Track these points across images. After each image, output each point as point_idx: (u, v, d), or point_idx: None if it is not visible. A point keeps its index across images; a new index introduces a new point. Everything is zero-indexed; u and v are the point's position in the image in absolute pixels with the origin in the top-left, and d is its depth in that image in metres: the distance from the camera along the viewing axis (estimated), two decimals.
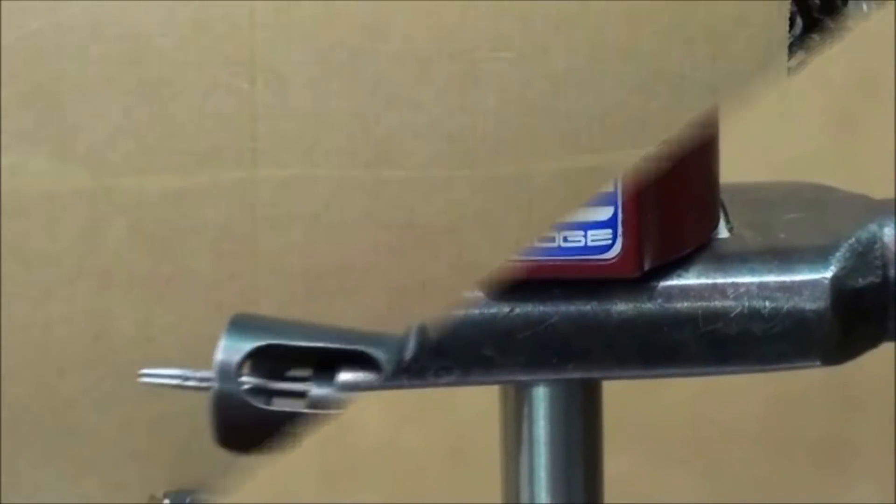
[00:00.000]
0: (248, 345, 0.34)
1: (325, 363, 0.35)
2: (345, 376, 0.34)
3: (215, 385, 0.33)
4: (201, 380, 0.35)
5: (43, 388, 0.66)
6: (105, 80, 0.64)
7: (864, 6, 1.01)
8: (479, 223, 0.78)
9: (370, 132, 0.71)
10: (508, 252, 0.79)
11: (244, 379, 0.33)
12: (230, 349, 0.34)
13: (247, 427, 0.33)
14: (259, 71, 0.67)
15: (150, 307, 0.67)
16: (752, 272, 0.33)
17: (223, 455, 0.72)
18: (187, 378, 0.35)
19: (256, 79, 0.67)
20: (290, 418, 0.33)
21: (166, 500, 0.34)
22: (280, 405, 0.33)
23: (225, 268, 0.68)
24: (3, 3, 0.61)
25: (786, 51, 0.86)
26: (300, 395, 0.34)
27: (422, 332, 0.35)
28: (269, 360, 0.35)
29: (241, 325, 0.35)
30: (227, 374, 0.33)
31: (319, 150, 0.69)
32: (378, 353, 0.34)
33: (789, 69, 0.89)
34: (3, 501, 0.66)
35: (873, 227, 0.34)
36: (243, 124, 0.67)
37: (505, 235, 0.83)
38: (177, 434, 0.70)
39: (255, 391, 0.34)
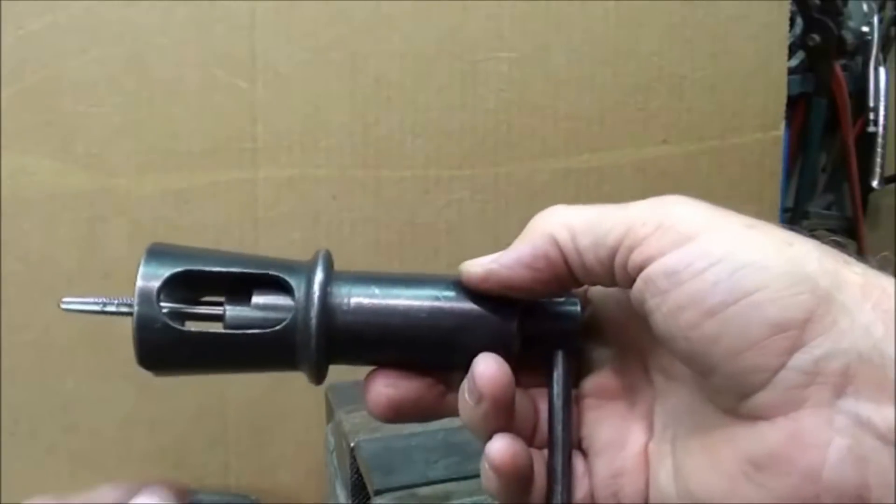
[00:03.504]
0: (166, 271, 0.34)
1: (239, 288, 0.35)
2: (257, 299, 0.35)
3: (136, 309, 0.34)
4: (121, 304, 0.36)
5: (43, 388, 0.66)
6: (105, 80, 0.64)
7: (865, 6, 1.01)
8: (479, 223, 0.78)
9: (370, 132, 0.71)
10: None
11: (163, 304, 0.34)
12: (149, 276, 0.34)
13: (167, 348, 0.34)
14: (259, 71, 0.67)
15: None
16: None
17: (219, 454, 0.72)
18: (107, 304, 0.36)
19: (256, 79, 0.67)
20: (208, 339, 0.34)
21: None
22: (198, 327, 0.34)
23: None
24: (2, 3, 0.61)
25: (786, 51, 0.86)
26: (216, 317, 0.35)
27: (326, 257, 0.36)
28: (187, 286, 0.36)
29: (158, 253, 0.35)
30: (147, 299, 0.34)
31: (319, 150, 0.69)
32: (289, 277, 0.35)
33: (789, 69, 0.89)
34: (3, 501, 0.66)
35: None
36: (243, 124, 0.67)
37: (505, 235, 0.82)
38: (177, 434, 0.70)
39: (174, 315, 0.34)
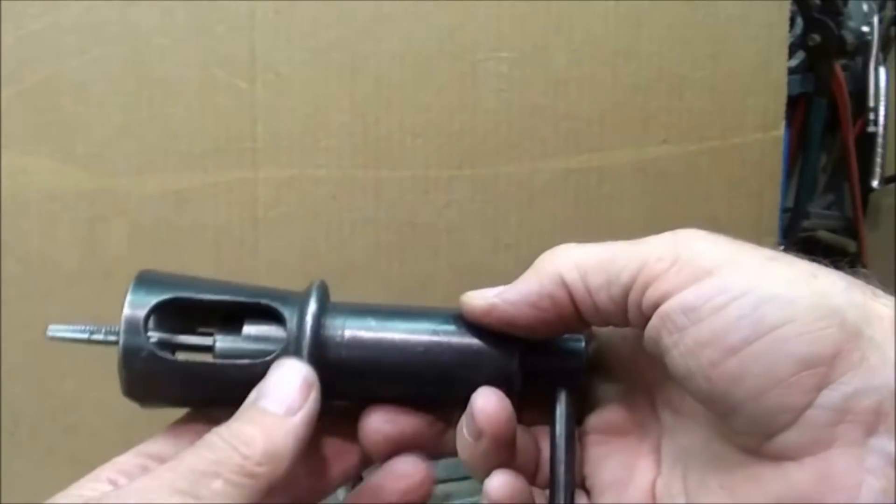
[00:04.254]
0: (154, 298, 0.34)
1: (231, 318, 0.35)
2: (249, 329, 0.34)
3: (121, 338, 0.33)
4: (108, 333, 0.35)
5: (43, 389, 0.66)
6: (105, 80, 0.64)
7: (865, 6, 1.01)
8: (479, 223, 0.78)
9: (370, 132, 0.71)
10: (508, 252, 0.79)
11: (151, 333, 0.33)
12: (136, 304, 0.33)
13: (154, 378, 0.33)
14: (259, 71, 0.67)
15: None
16: None
17: None
18: (94, 332, 0.35)
19: (256, 79, 0.67)
20: (196, 370, 0.33)
21: None
22: (186, 358, 0.33)
23: (225, 268, 0.68)
24: (3, 3, 0.61)
25: (786, 51, 0.86)
26: (206, 348, 0.34)
27: (321, 288, 0.35)
28: (177, 316, 0.35)
29: (147, 280, 0.34)
30: (134, 328, 0.33)
31: (319, 150, 0.69)
32: (282, 308, 0.34)
33: (789, 69, 0.89)
34: (3, 501, 0.66)
35: None
36: (243, 124, 0.67)
37: (505, 235, 0.83)
38: None
39: (161, 345, 0.33)
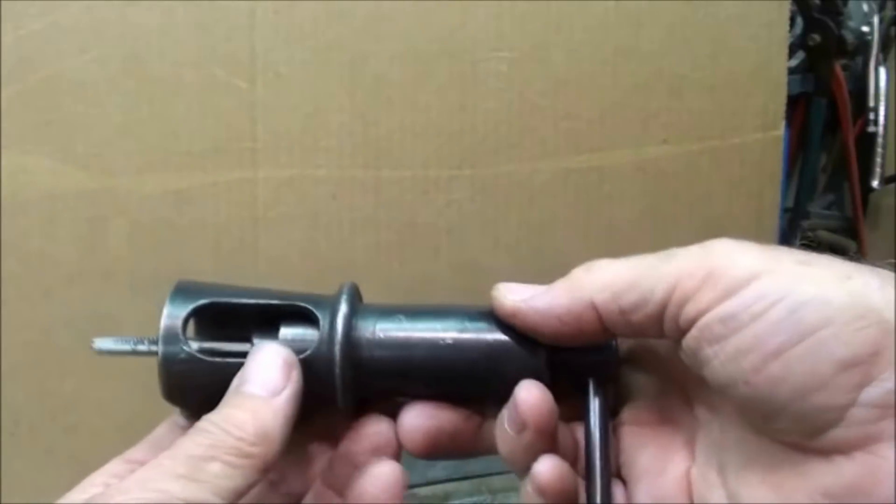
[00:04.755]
0: (190, 305, 0.34)
1: (269, 324, 0.35)
2: (285, 332, 0.35)
3: (160, 347, 0.34)
4: (151, 343, 0.36)
5: (43, 389, 0.66)
6: (105, 80, 0.64)
7: (865, 6, 1.01)
8: (479, 223, 0.78)
9: (370, 132, 0.71)
10: (508, 252, 0.79)
11: (191, 342, 0.34)
12: (173, 314, 0.34)
13: (193, 385, 0.34)
14: (259, 71, 0.67)
15: (150, 307, 0.67)
16: None
17: None
18: (138, 343, 0.36)
19: (256, 79, 0.67)
20: (233, 371, 0.34)
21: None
22: (223, 360, 0.34)
23: (225, 268, 0.68)
24: (3, 3, 0.61)
25: (786, 51, 0.86)
26: (244, 354, 0.35)
27: (352, 290, 0.36)
28: (217, 326, 0.36)
29: (183, 290, 0.35)
30: (171, 337, 0.34)
31: (319, 150, 0.69)
32: (315, 310, 0.35)
33: (789, 69, 0.89)
34: (3, 501, 0.66)
35: None
36: (243, 124, 0.67)
37: (504, 235, 0.83)
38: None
39: (202, 352, 0.34)
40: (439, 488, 0.52)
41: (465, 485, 0.53)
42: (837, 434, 0.28)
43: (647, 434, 0.35)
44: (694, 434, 0.35)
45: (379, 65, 0.68)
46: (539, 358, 0.34)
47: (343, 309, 0.35)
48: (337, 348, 0.34)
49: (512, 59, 0.71)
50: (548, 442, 0.33)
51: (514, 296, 0.34)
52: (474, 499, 0.52)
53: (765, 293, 0.28)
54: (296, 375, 0.33)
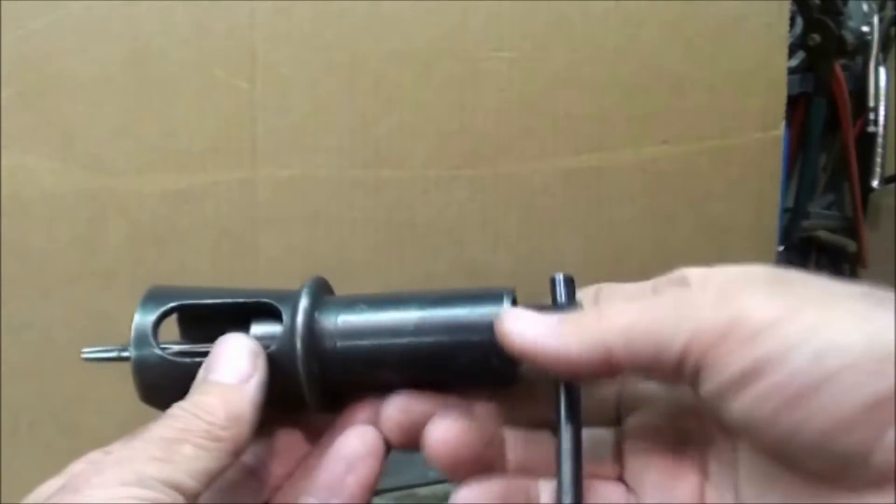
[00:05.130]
0: (159, 308, 0.35)
1: (244, 323, 0.36)
2: (255, 329, 0.35)
3: (132, 352, 0.35)
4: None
5: (43, 388, 0.66)
6: (105, 80, 0.64)
7: (865, 6, 1.01)
8: (479, 223, 0.78)
9: (370, 132, 0.71)
10: (508, 252, 0.79)
11: (168, 346, 0.35)
12: (142, 318, 0.35)
13: (167, 386, 0.35)
14: (259, 71, 0.67)
15: None
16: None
17: None
18: (122, 350, 0.37)
19: (256, 79, 0.67)
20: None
21: None
22: (193, 360, 0.35)
23: (225, 268, 0.68)
24: (3, 3, 0.61)
25: (786, 51, 0.86)
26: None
27: (315, 283, 0.36)
28: (195, 330, 0.37)
29: (153, 295, 0.36)
30: (142, 340, 0.35)
31: (319, 150, 0.69)
32: (279, 305, 0.35)
33: (789, 69, 0.89)
34: (3, 502, 0.66)
35: None
36: (243, 124, 0.67)
37: (504, 235, 0.83)
38: None
39: (172, 354, 0.35)
40: (439, 488, 0.52)
41: None
42: (865, 472, 0.27)
43: (656, 445, 0.35)
44: (706, 449, 0.34)
45: (379, 65, 0.68)
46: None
47: (304, 302, 0.35)
48: (298, 341, 0.34)
49: (512, 59, 0.71)
50: (470, 470, 0.34)
51: (522, 331, 0.33)
52: None
53: (786, 342, 0.28)
54: (262, 363, 0.34)
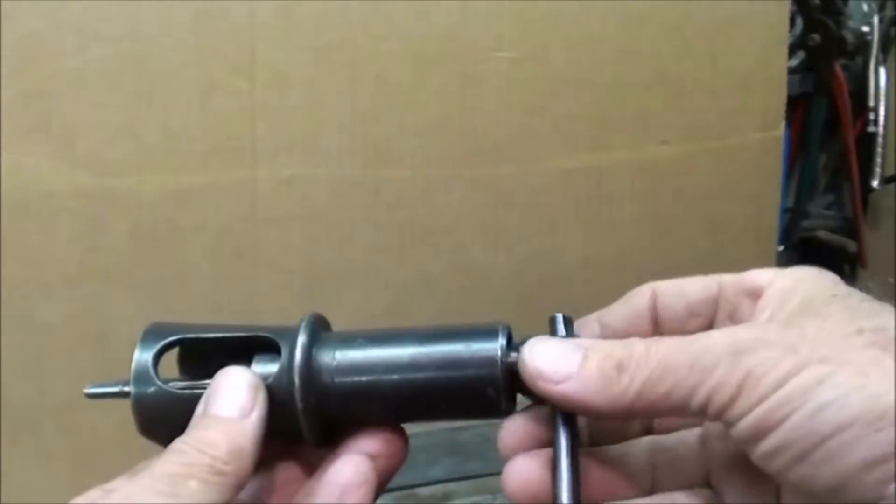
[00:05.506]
0: (158, 344, 0.35)
1: (237, 358, 0.36)
2: (256, 366, 0.36)
3: (132, 388, 0.35)
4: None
5: (43, 388, 0.66)
6: (105, 80, 0.64)
7: (865, 6, 1.01)
8: (479, 223, 0.78)
9: (370, 132, 0.71)
10: (508, 252, 0.79)
11: (171, 384, 0.35)
12: (142, 354, 0.36)
13: (166, 420, 0.35)
14: (259, 71, 0.67)
15: (151, 307, 0.67)
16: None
17: None
18: (125, 385, 0.38)
19: (256, 79, 0.67)
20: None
21: None
22: (192, 392, 0.35)
23: (225, 268, 0.68)
24: (2, 3, 0.61)
25: (786, 51, 0.86)
26: None
27: (312, 319, 0.37)
28: (198, 367, 0.37)
29: (153, 331, 0.37)
30: (142, 377, 0.35)
31: (319, 150, 0.69)
32: (279, 340, 0.35)
33: (789, 69, 0.89)
34: (3, 502, 0.66)
35: None
36: (243, 124, 0.67)
37: (505, 235, 0.83)
38: None
39: (172, 388, 0.35)
40: (439, 488, 0.52)
41: (465, 485, 0.53)
42: None
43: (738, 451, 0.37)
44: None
45: (379, 65, 0.68)
46: (494, 367, 0.34)
47: (302, 337, 0.35)
48: (297, 375, 0.34)
49: (512, 59, 0.71)
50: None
51: (544, 372, 0.33)
52: (474, 499, 0.52)
53: (790, 400, 0.30)
54: (262, 398, 0.34)
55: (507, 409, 0.35)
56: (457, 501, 0.51)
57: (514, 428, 0.36)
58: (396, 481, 0.50)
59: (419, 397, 0.35)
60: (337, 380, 0.35)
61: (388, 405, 0.35)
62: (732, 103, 0.77)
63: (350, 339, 0.36)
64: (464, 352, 0.35)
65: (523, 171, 0.73)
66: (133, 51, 0.64)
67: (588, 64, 0.73)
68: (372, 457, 0.35)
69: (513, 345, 0.35)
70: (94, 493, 0.33)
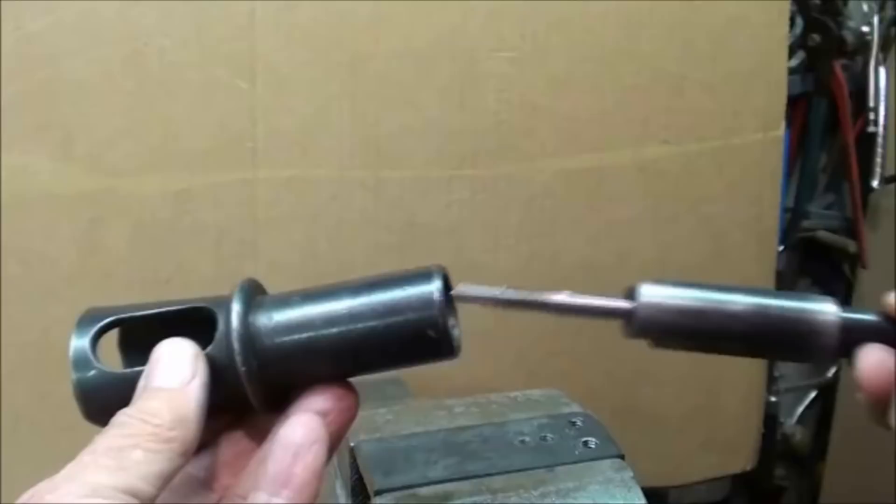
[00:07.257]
0: (94, 328, 0.35)
1: (181, 334, 0.36)
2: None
3: (72, 375, 0.35)
4: None
5: (43, 389, 0.66)
6: (105, 80, 0.64)
7: (865, 6, 1.01)
8: (479, 223, 0.78)
9: (370, 132, 0.71)
10: (508, 252, 0.79)
11: (100, 364, 0.35)
12: (79, 340, 0.36)
13: (110, 402, 0.35)
14: (259, 71, 0.67)
15: None
16: None
17: None
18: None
19: (256, 79, 0.67)
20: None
21: None
22: (133, 369, 0.35)
23: (225, 268, 0.68)
24: (3, 3, 0.61)
25: (786, 51, 0.86)
26: None
27: (246, 285, 0.36)
28: (133, 351, 0.37)
29: (88, 317, 0.36)
30: (81, 362, 0.36)
31: (319, 150, 0.69)
32: (216, 310, 0.35)
33: (789, 69, 0.89)
34: (2, 502, 0.66)
35: None
36: (243, 124, 0.67)
37: (505, 235, 0.83)
38: None
39: (114, 369, 0.35)
40: (439, 488, 0.52)
41: (465, 485, 0.53)
42: None
43: None
44: None
45: (379, 65, 0.68)
46: (432, 308, 0.34)
47: (237, 302, 0.35)
48: (235, 340, 0.34)
49: (512, 59, 0.71)
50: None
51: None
52: (474, 499, 0.52)
53: None
54: (202, 364, 0.34)
55: (447, 351, 0.34)
56: (457, 501, 0.51)
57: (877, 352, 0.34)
58: (396, 481, 0.50)
59: (361, 348, 0.35)
60: (277, 340, 0.35)
61: (332, 360, 0.35)
62: (732, 103, 0.77)
63: (286, 299, 0.36)
64: (401, 297, 0.35)
65: (523, 171, 0.73)
66: (133, 51, 0.64)
67: (588, 64, 0.73)
68: (323, 414, 0.35)
69: (448, 286, 0.34)
70: (42, 485, 0.33)
